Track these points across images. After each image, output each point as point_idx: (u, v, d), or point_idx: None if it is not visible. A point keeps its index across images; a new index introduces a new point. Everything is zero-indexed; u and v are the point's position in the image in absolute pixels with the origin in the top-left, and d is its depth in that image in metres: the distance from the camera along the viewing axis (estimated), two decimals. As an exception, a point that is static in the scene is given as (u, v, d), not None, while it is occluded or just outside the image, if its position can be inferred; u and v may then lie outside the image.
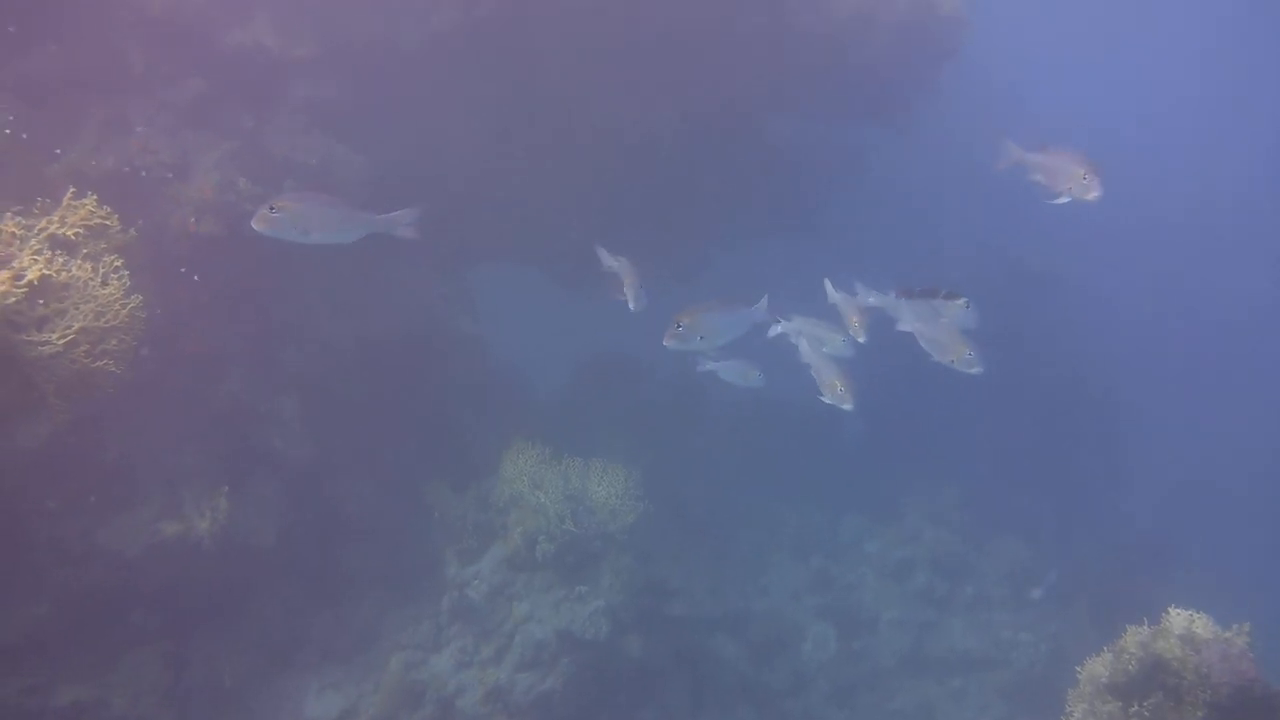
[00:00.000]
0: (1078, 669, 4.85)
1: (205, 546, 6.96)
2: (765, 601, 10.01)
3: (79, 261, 5.47)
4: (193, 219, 7.10)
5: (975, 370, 5.03)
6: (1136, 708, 4.43)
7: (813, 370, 5.79)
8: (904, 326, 5.36)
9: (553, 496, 7.95)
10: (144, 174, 6.95)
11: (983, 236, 14.37)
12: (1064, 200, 5.18)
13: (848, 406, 5.66)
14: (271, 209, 4.57)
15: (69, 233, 5.51)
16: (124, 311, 5.47)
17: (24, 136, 6.28)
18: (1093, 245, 15.93)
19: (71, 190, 5.65)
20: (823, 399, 5.76)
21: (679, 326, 4.81)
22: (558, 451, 8.31)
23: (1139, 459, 14.40)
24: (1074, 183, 5.10)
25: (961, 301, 5.13)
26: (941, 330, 5.14)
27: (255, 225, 4.57)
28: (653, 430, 11.07)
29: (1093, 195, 5.08)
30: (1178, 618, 4.72)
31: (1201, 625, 4.67)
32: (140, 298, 5.58)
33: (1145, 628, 4.73)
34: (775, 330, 5.98)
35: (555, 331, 13.61)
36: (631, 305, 5.61)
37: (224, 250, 7.15)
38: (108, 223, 5.70)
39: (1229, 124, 24.13)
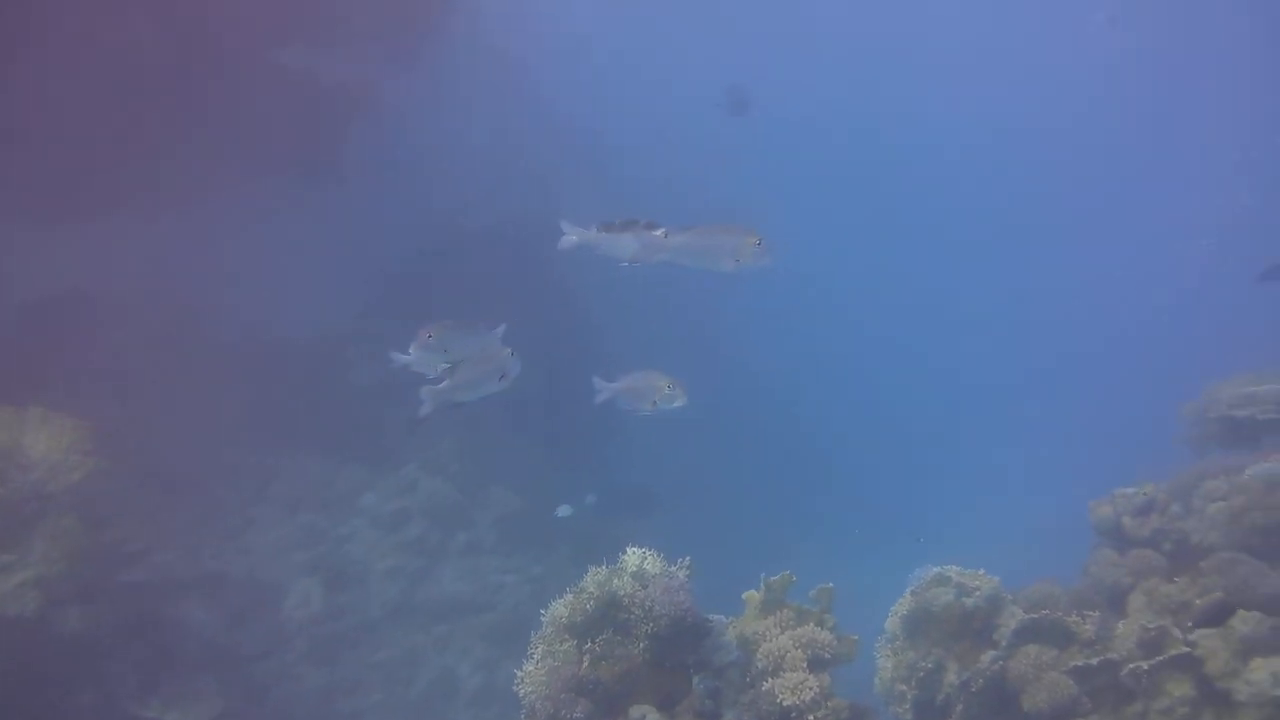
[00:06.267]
0: (542, 612, 4.97)
1: None
2: (245, 561, 9.31)
3: None
4: None
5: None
6: (590, 645, 4.64)
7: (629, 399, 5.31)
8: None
9: (-29, 452, 6.58)
10: None
11: (505, 179, 14.50)
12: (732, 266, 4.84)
13: (681, 403, 5.25)
14: None
15: None
16: None
17: None
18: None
19: None
20: (651, 408, 5.27)
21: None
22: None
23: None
24: (743, 256, 4.65)
25: (661, 230, 4.85)
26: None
27: None
28: (123, 380, 9.72)
29: (766, 261, 4.82)
30: (632, 556, 5.02)
31: (652, 562, 5.01)
32: None
33: (604, 568, 4.97)
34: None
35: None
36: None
37: None
38: None
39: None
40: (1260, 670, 4.83)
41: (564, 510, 11.13)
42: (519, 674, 4.72)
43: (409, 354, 4.78)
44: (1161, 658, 5.00)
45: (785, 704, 4.18)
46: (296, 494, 10.31)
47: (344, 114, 11.37)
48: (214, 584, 8.58)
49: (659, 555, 5.07)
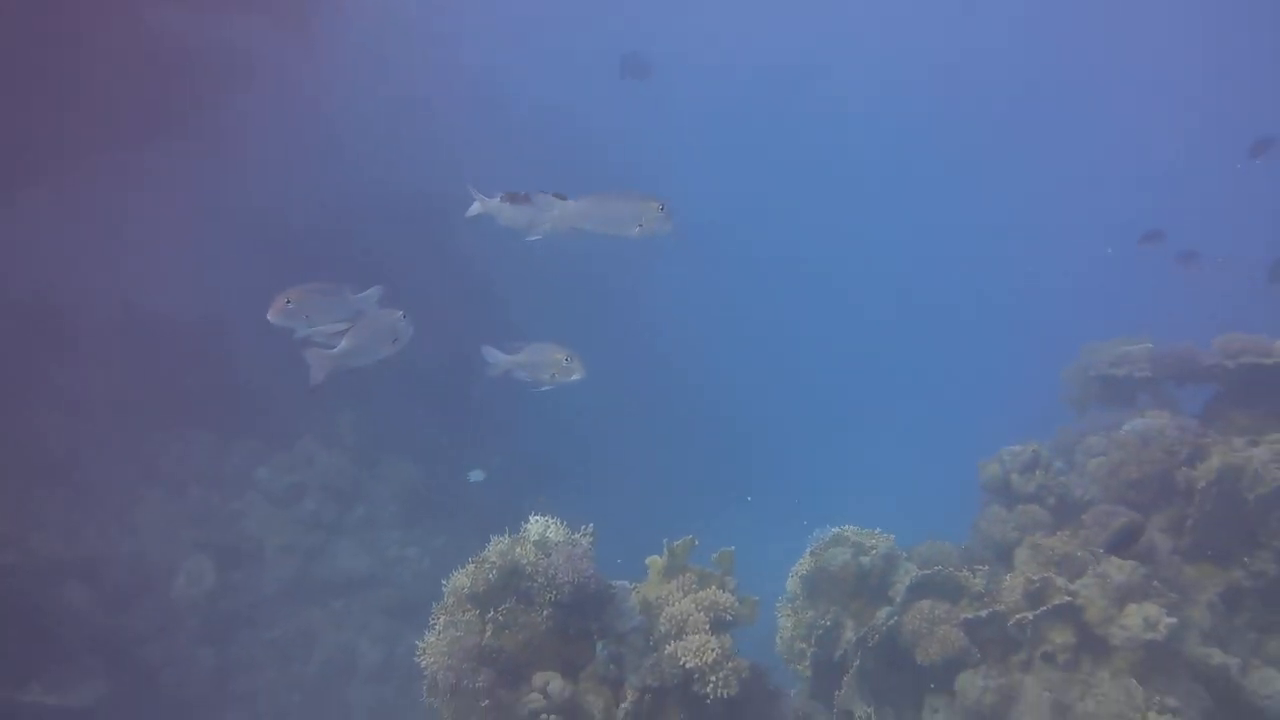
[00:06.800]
0: (443, 583, 4.89)
1: None
2: (133, 540, 8.93)
3: None
4: None
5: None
6: (492, 614, 4.60)
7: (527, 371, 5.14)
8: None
9: None
10: None
11: (384, 159, 14.06)
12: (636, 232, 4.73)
13: (579, 376, 5.11)
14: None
15: None
16: None
17: None
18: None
19: None
20: (550, 382, 5.11)
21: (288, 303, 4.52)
22: None
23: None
24: (646, 222, 4.60)
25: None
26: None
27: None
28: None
29: (668, 227, 4.75)
30: (535, 525, 4.98)
31: (555, 530, 4.98)
32: None
33: (507, 537, 4.91)
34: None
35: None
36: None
37: None
38: None
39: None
40: (1133, 616, 5.09)
41: (476, 475, 11.02)
42: (420, 645, 4.64)
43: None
44: (1045, 608, 5.21)
45: (688, 666, 4.22)
46: (186, 471, 9.94)
47: (228, 78, 10.89)
48: (98, 565, 8.23)
49: (562, 523, 5.04)
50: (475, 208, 4.88)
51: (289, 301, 4.43)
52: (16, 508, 7.82)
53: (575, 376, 5.33)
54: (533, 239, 4.79)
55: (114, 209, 11.32)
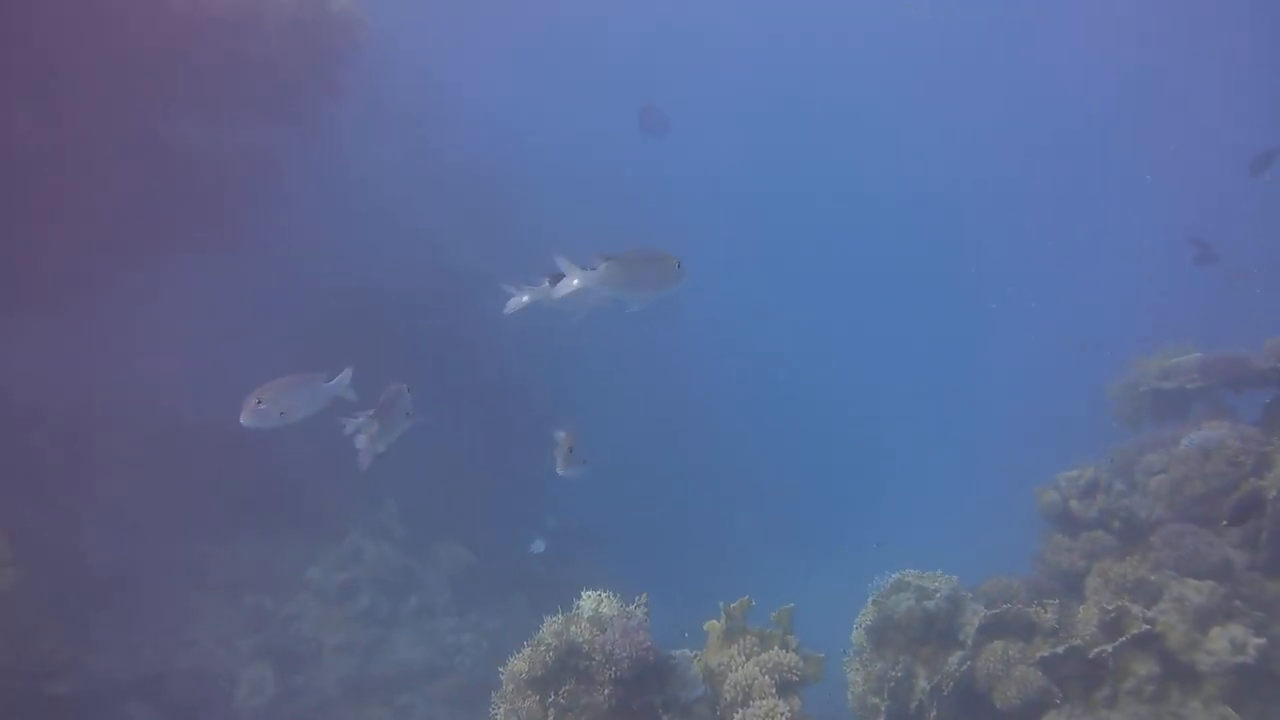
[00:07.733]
0: (500, 669, 4.78)
1: None
2: (191, 654, 8.89)
3: None
4: None
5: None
6: (554, 698, 4.48)
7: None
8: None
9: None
10: None
11: (418, 235, 14.17)
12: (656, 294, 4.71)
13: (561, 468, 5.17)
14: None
15: None
16: None
17: None
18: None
19: None
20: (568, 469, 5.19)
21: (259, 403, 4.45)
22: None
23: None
24: (664, 282, 4.42)
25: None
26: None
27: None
28: (38, 482, 9.23)
29: (684, 284, 4.68)
30: (588, 600, 4.87)
31: (608, 604, 4.86)
32: None
33: (560, 617, 4.81)
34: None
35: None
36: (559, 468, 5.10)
37: None
38: None
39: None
40: (1218, 639, 4.87)
41: (537, 546, 11.00)
42: (482, 738, 4.53)
43: (354, 418, 4.72)
44: (1124, 638, 5.01)
45: (758, 734, 4.07)
46: (237, 577, 9.92)
47: (250, 182, 11.11)
48: (157, 683, 8.17)
49: (615, 596, 4.93)
50: (519, 301, 4.81)
51: (259, 401, 4.43)
52: (73, 631, 7.82)
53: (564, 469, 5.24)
54: (580, 318, 4.76)
55: (148, 320, 11.51)
